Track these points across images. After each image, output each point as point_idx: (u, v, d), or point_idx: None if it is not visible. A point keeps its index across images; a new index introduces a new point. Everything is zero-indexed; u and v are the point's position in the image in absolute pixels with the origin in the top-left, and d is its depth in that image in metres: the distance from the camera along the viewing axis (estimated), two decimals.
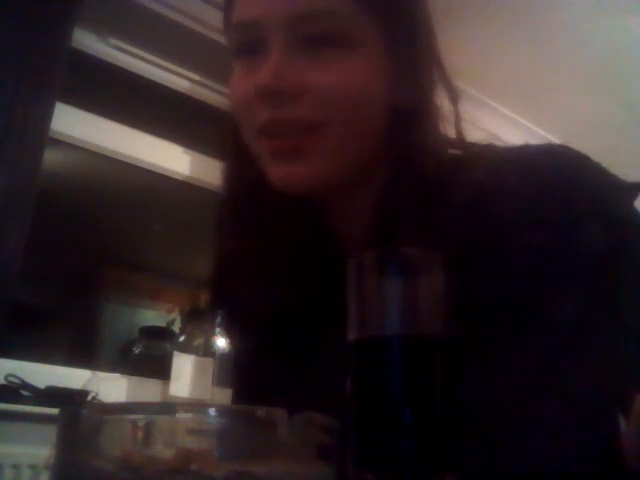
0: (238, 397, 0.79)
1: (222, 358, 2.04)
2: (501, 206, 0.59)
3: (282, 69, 0.60)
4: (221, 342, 2.07)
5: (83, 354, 2.21)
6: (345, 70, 0.61)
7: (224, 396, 1.86)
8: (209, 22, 2.22)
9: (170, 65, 2.42)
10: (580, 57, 2.71)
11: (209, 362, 2.06)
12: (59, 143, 2.17)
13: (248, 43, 0.64)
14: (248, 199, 0.70)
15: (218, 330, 2.07)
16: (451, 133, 0.69)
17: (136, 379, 2.12)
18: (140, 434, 0.38)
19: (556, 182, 0.59)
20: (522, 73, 2.79)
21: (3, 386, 1.78)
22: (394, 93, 0.64)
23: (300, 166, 0.62)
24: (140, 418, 0.38)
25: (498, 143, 0.68)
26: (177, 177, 2.47)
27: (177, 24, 2.23)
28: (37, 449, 1.54)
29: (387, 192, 0.65)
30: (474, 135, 0.70)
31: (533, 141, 0.67)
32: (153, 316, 2.48)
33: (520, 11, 2.47)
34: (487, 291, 0.57)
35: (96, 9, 2.10)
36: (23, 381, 1.81)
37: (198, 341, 2.11)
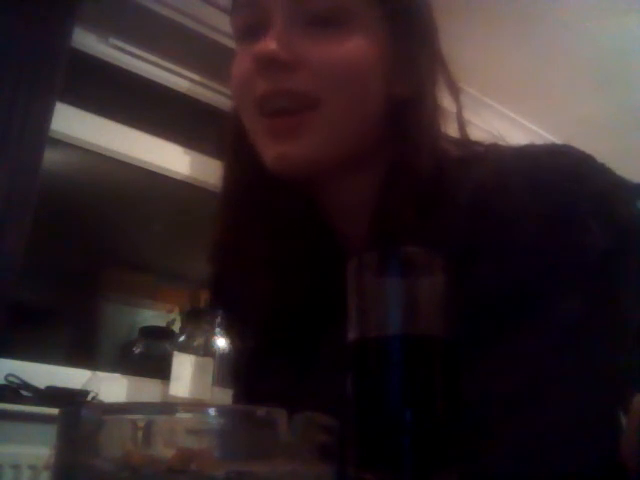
0: (238, 397, 0.79)
1: (222, 358, 2.05)
2: (505, 205, 0.59)
3: (282, 39, 0.61)
4: (221, 342, 2.08)
5: (83, 354, 2.21)
6: (343, 48, 0.62)
7: (224, 396, 1.86)
8: (209, 22, 2.22)
9: (170, 65, 2.42)
10: (581, 57, 2.71)
11: (209, 362, 2.06)
12: (59, 143, 2.17)
13: (250, 26, 0.65)
14: (247, 197, 0.70)
15: (218, 330, 2.07)
16: (454, 132, 0.69)
17: (136, 379, 2.12)
18: (140, 434, 0.38)
19: (560, 182, 0.59)
20: (523, 73, 2.79)
21: (3, 386, 1.78)
22: (393, 80, 0.64)
23: (294, 146, 0.62)
24: (140, 418, 0.38)
25: (501, 143, 0.68)
26: (177, 177, 2.47)
27: (177, 24, 2.23)
28: (37, 449, 1.54)
29: (385, 186, 0.64)
30: (475, 135, 0.69)
31: (533, 141, 0.67)
32: (153, 316, 2.48)
33: (521, 11, 2.47)
34: (488, 290, 0.57)
35: (96, 9, 2.10)
36: (23, 381, 1.81)
37: (198, 341, 2.11)
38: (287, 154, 0.62)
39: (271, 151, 0.64)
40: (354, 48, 0.62)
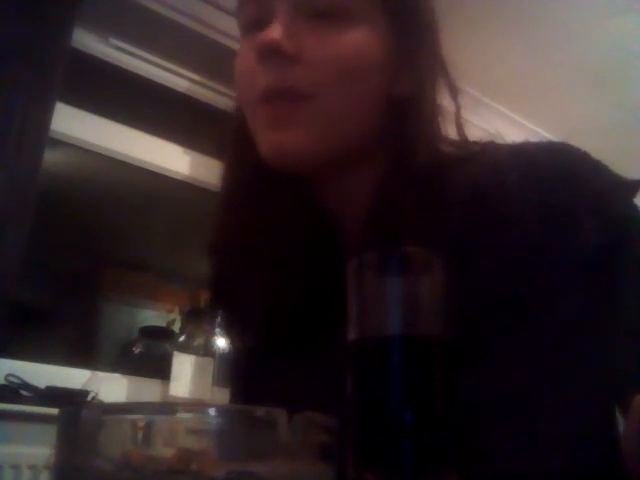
0: (235, 397, 0.79)
1: (222, 358, 2.04)
2: (501, 202, 0.59)
3: (285, 30, 0.62)
4: (221, 342, 2.07)
5: (83, 354, 2.21)
6: (344, 41, 0.62)
7: (224, 396, 1.86)
8: (209, 22, 2.22)
9: (170, 65, 2.42)
10: (580, 57, 2.71)
11: (209, 362, 2.06)
12: (59, 143, 2.17)
13: (255, 20, 0.66)
14: (247, 195, 0.70)
15: (218, 330, 2.07)
16: (452, 133, 0.69)
17: (136, 379, 2.12)
18: (140, 434, 0.38)
19: (556, 179, 0.59)
20: (522, 73, 2.79)
21: (3, 386, 1.78)
22: (393, 77, 0.65)
23: (289, 135, 0.62)
24: (140, 418, 0.38)
25: (499, 141, 0.68)
26: (177, 177, 2.47)
27: (177, 24, 2.23)
28: (37, 449, 1.54)
29: (384, 183, 0.65)
30: (474, 134, 0.70)
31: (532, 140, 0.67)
32: (153, 316, 2.48)
33: (520, 11, 2.47)
34: (485, 288, 0.57)
35: (96, 9, 2.10)
36: (23, 381, 1.81)
37: (198, 341, 2.10)
38: (282, 143, 0.63)
39: (267, 140, 0.64)
40: (354, 42, 0.63)
